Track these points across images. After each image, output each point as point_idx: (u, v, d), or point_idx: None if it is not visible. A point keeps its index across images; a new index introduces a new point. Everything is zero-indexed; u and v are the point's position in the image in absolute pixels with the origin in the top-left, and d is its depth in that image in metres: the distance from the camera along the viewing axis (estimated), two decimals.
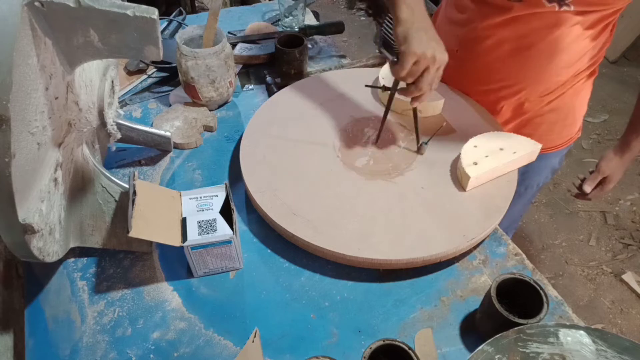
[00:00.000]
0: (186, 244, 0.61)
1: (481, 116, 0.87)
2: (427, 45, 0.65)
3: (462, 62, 0.89)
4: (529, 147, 0.76)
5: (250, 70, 1.07)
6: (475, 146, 0.75)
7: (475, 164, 0.72)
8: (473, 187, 0.73)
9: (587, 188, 0.92)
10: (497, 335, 0.50)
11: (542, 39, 0.78)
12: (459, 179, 0.74)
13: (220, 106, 0.98)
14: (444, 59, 0.67)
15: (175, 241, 0.61)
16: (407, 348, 0.50)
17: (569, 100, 0.88)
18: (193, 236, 0.61)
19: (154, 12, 0.49)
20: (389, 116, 0.87)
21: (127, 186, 0.70)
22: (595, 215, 1.91)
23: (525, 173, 0.95)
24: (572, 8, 0.73)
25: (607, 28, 0.80)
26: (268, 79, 1.01)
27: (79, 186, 0.65)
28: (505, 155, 0.74)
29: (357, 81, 0.94)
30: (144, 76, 1.04)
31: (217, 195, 0.67)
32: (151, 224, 0.60)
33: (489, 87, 0.88)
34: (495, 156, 0.73)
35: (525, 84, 0.85)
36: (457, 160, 0.76)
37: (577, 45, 0.79)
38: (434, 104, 0.85)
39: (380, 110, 0.88)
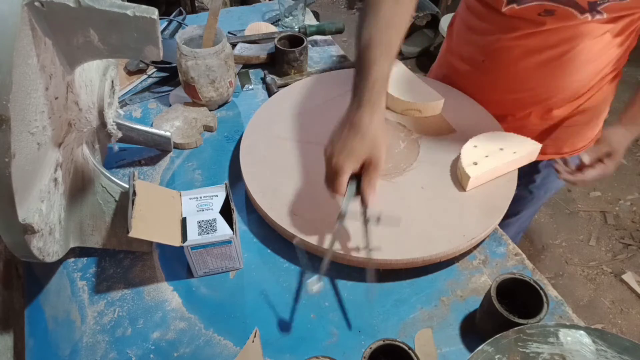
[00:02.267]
0: (186, 244, 0.61)
1: (481, 116, 0.86)
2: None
3: (488, 72, 0.87)
4: (529, 147, 0.76)
5: (250, 70, 1.07)
6: (475, 146, 0.75)
7: (475, 164, 0.72)
8: (473, 187, 0.73)
9: (587, 158, 0.82)
10: (497, 335, 0.50)
11: (572, 49, 0.76)
12: (459, 179, 0.74)
13: (220, 106, 0.98)
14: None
15: (175, 241, 0.61)
16: (407, 348, 0.51)
17: (595, 104, 0.88)
18: (193, 236, 0.61)
19: (154, 12, 0.49)
20: (388, 116, 0.87)
21: (127, 186, 0.70)
22: (595, 215, 1.91)
23: (546, 177, 0.95)
24: (605, 16, 0.71)
25: (634, 33, 0.79)
26: (268, 78, 1.01)
27: (79, 186, 0.65)
28: (505, 155, 0.74)
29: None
30: (144, 76, 1.04)
31: (217, 195, 0.67)
32: (151, 224, 0.60)
33: (517, 95, 0.86)
34: (495, 156, 0.73)
35: (554, 92, 0.84)
36: (457, 160, 0.76)
37: (606, 53, 0.79)
38: (433, 104, 0.85)
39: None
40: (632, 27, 0.77)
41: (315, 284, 0.57)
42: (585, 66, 0.79)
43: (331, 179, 0.59)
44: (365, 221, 0.59)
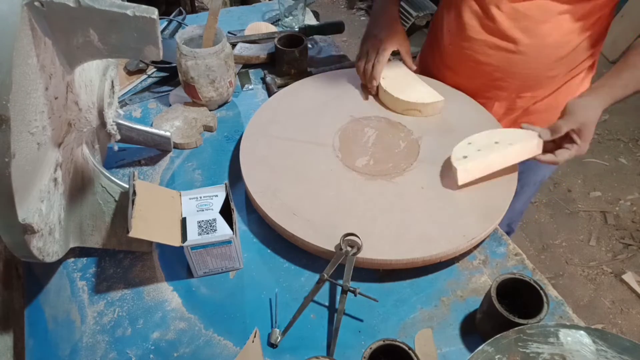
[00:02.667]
0: (186, 244, 0.61)
1: (482, 116, 0.86)
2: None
3: (453, 59, 0.91)
4: (528, 139, 0.73)
5: (250, 70, 1.07)
6: (470, 143, 0.75)
7: (465, 157, 0.72)
8: (466, 183, 0.72)
9: (547, 134, 0.73)
10: (497, 336, 0.50)
11: (529, 34, 0.78)
12: (452, 176, 0.74)
13: (220, 106, 0.98)
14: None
15: (175, 241, 0.61)
16: (407, 348, 0.50)
17: (563, 98, 0.87)
18: (193, 236, 0.61)
19: (153, 12, 0.49)
20: (388, 116, 0.87)
21: (127, 186, 0.69)
22: (595, 215, 1.91)
23: (522, 173, 0.95)
24: None
25: (600, 22, 0.79)
26: (268, 78, 1.01)
27: (78, 186, 0.65)
28: (501, 147, 0.72)
29: (357, 81, 0.94)
30: (144, 76, 1.04)
31: (217, 195, 0.67)
32: (151, 224, 0.60)
33: (480, 82, 0.89)
34: (489, 149, 0.72)
35: (515, 80, 0.85)
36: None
37: (567, 40, 0.79)
38: (434, 104, 0.85)
39: (380, 110, 0.88)
40: (596, 16, 0.77)
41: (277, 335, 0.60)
42: (545, 52, 0.80)
43: (369, 59, 0.88)
44: (344, 291, 0.62)
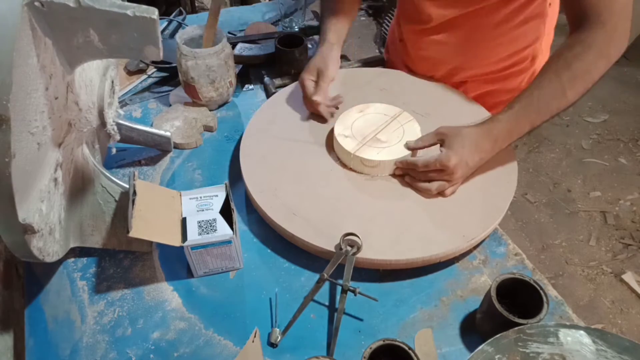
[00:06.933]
0: (186, 244, 0.61)
1: (472, 108, 0.86)
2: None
3: (411, 56, 0.97)
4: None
5: (250, 70, 1.07)
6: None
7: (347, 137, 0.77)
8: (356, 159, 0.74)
9: (411, 144, 0.73)
10: (497, 335, 0.50)
11: (464, 27, 0.84)
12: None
13: (220, 106, 0.98)
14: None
15: (175, 241, 0.61)
16: (407, 348, 0.51)
17: (512, 83, 0.92)
18: (193, 236, 0.61)
19: (154, 12, 0.49)
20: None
21: (127, 186, 0.70)
22: (595, 215, 1.91)
23: None
24: None
25: (536, 17, 0.82)
26: (266, 79, 1.01)
27: (79, 186, 0.65)
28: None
29: (357, 81, 0.94)
30: (144, 76, 1.04)
31: (217, 195, 0.67)
32: (151, 224, 0.60)
33: (441, 75, 0.94)
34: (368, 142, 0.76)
35: (458, 66, 0.91)
36: None
37: (502, 32, 0.82)
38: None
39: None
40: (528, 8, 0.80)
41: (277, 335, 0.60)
42: (481, 45, 0.86)
43: (303, 87, 0.86)
44: (344, 290, 0.62)
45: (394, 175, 0.75)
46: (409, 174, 0.73)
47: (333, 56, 0.87)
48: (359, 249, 0.64)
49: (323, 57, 0.86)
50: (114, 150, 0.80)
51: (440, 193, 0.71)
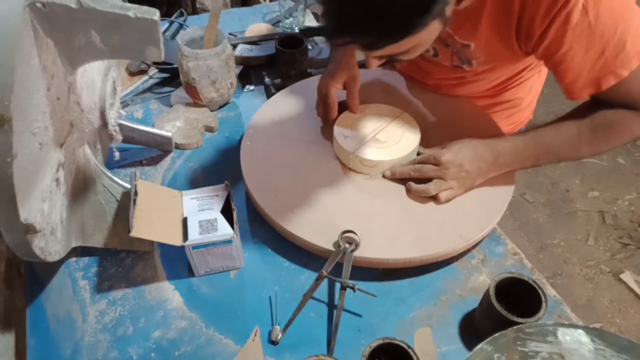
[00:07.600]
0: (187, 243, 0.61)
1: (474, 111, 0.87)
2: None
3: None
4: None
5: (250, 71, 1.07)
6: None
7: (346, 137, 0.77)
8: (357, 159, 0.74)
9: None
10: (496, 334, 0.50)
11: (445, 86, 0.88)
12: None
13: (221, 107, 0.98)
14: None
15: (177, 241, 0.61)
16: (406, 347, 0.51)
17: (517, 95, 0.92)
18: (194, 236, 0.62)
19: (155, 14, 0.50)
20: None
21: (128, 186, 0.70)
22: (593, 215, 1.91)
23: None
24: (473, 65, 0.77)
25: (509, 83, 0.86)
26: (266, 80, 1.01)
27: (80, 186, 0.66)
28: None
29: None
30: (146, 77, 1.04)
31: (218, 195, 0.67)
32: (152, 223, 0.60)
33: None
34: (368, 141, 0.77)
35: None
36: None
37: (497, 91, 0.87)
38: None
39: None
40: (504, 78, 0.85)
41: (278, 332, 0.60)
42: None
43: (323, 101, 0.82)
44: (343, 287, 0.63)
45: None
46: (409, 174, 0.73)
47: (353, 61, 0.83)
48: (357, 246, 0.65)
49: (346, 62, 0.82)
50: (117, 156, 0.80)
51: (435, 197, 0.70)
